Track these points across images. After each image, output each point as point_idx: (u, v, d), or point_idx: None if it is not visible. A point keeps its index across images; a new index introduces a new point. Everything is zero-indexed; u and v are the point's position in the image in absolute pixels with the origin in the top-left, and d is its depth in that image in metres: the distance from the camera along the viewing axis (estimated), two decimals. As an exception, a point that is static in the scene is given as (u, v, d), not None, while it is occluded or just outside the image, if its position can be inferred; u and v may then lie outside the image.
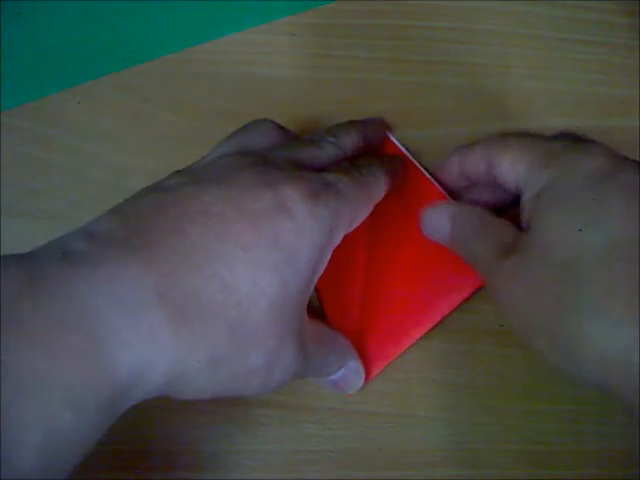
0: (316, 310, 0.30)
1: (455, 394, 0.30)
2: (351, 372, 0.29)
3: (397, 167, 0.31)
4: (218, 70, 0.34)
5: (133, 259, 0.20)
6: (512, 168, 0.26)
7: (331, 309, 0.30)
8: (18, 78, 0.34)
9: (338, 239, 0.25)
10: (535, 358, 0.31)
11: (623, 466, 0.30)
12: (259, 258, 0.22)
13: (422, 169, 0.31)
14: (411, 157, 0.32)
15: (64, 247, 0.20)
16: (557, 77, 0.34)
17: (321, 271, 0.24)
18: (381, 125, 0.33)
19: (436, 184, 0.31)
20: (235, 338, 0.21)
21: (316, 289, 0.30)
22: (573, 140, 0.26)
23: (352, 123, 0.30)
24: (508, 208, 0.29)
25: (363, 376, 0.29)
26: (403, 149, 0.32)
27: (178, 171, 0.24)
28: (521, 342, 0.31)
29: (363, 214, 0.26)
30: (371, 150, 0.31)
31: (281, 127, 0.28)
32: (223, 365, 0.21)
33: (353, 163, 0.27)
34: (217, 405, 0.30)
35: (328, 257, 0.24)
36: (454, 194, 0.31)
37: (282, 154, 0.25)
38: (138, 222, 0.21)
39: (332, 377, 0.28)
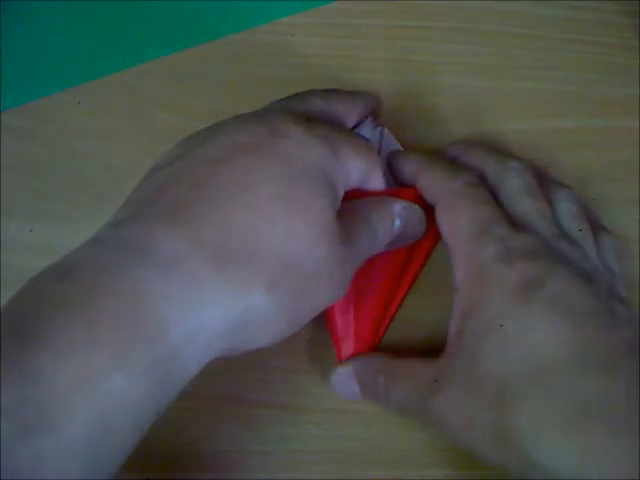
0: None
1: (455, 394, 0.30)
2: (405, 217, 0.27)
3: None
4: (218, 70, 0.34)
5: (155, 221, 0.20)
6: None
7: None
8: (18, 78, 0.34)
9: (345, 163, 0.25)
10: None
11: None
12: (273, 175, 0.22)
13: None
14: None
15: (89, 242, 0.21)
16: (557, 77, 0.35)
17: (339, 189, 0.24)
18: (373, 98, 0.32)
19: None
20: (281, 255, 0.21)
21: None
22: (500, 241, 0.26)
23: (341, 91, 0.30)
24: None
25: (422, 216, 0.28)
26: (398, 145, 0.32)
27: None
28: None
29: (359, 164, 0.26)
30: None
31: None
32: (281, 284, 0.21)
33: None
34: (217, 405, 0.30)
35: (342, 177, 0.25)
36: None
37: (275, 107, 0.27)
38: (151, 197, 0.21)
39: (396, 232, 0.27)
